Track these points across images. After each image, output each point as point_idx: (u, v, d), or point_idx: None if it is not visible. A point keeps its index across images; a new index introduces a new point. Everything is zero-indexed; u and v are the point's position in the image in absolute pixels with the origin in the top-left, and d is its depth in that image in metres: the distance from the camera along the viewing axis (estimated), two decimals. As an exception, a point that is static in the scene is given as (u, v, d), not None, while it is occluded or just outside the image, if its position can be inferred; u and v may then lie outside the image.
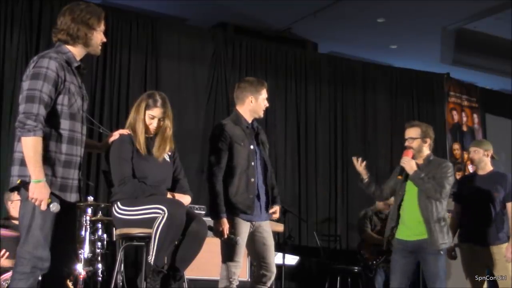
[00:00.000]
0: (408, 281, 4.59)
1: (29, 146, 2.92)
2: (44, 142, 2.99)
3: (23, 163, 2.98)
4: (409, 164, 4.60)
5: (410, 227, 4.58)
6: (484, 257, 5.08)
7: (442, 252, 4.53)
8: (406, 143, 4.70)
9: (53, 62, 3.02)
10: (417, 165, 4.62)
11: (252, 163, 4.04)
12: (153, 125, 3.77)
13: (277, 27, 8.56)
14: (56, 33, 3.16)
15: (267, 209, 4.13)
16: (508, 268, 5.01)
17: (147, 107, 3.76)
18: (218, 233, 3.91)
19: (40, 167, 2.93)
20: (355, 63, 9.28)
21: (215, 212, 3.93)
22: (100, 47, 3.25)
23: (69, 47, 3.15)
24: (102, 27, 3.22)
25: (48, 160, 3.00)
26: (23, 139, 2.94)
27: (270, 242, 4.11)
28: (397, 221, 4.66)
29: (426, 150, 4.69)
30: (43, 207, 2.93)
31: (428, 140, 4.69)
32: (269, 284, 4.10)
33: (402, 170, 4.65)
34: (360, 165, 4.77)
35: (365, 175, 4.79)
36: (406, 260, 4.59)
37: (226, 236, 3.89)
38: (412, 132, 4.70)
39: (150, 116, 3.76)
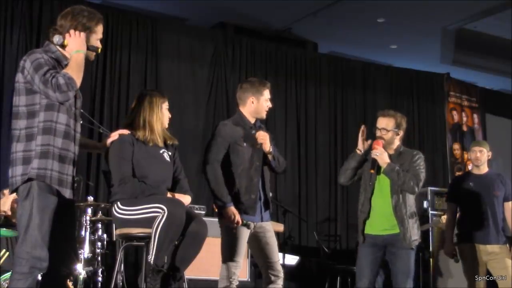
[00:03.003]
0: (374, 279, 4.34)
1: (74, 68, 3.04)
2: (44, 136, 3.01)
3: (25, 162, 2.99)
4: (381, 157, 4.27)
5: (381, 221, 4.30)
6: (484, 257, 5.08)
7: (414, 249, 4.27)
8: (378, 133, 4.39)
9: (45, 55, 3.06)
10: (389, 156, 4.33)
11: (257, 163, 4.05)
12: (168, 115, 3.86)
13: (277, 27, 8.57)
14: (53, 32, 3.17)
15: (267, 209, 4.14)
16: (508, 268, 5.01)
17: (162, 100, 3.83)
18: (230, 221, 3.89)
19: (80, 66, 3.08)
20: (355, 63, 9.28)
21: (220, 202, 3.92)
22: (94, 54, 3.26)
23: (60, 47, 3.16)
24: (100, 35, 3.24)
25: (45, 154, 3.01)
26: (65, 84, 2.98)
27: (273, 242, 4.10)
28: (368, 214, 4.36)
29: (397, 142, 4.41)
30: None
31: (401, 133, 4.41)
32: (281, 284, 4.07)
33: (374, 162, 4.32)
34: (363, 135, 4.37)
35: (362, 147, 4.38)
36: (376, 256, 4.32)
37: (240, 222, 3.88)
38: (386, 123, 4.39)
39: (167, 107, 3.85)
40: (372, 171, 4.33)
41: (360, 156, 4.38)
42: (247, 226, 3.92)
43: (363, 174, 4.45)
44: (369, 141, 4.35)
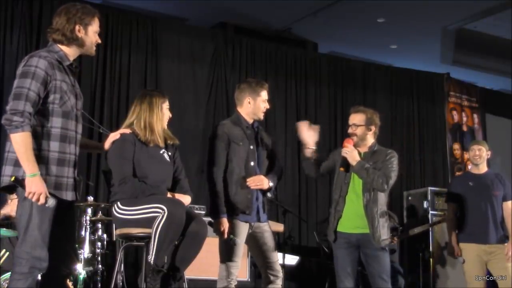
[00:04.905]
0: (355, 279, 4.25)
1: (19, 142, 2.92)
2: (37, 141, 3.00)
3: (17, 163, 2.98)
4: (351, 154, 4.22)
5: (354, 219, 4.21)
6: (485, 257, 5.08)
7: (386, 249, 4.20)
8: (349, 130, 4.37)
9: (43, 61, 3.03)
10: (360, 154, 4.27)
11: (251, 163, 4.06)
12: (168, 115, 3.86)
13: (277, 27, 8.57)
14: (51, 32, 3.17)
15: (265, 210, 4.14)
16: (508, 268, 5.01)
17: (163, 101, 3.83)
18: (218, 233, 3.93)
19: (33, 162, 2.93)
20: (355, 63, 9.28)
21: (215, 212, 3.94)
22: (94, 48, 3.26)
23: (62, 47, 3.17)
24: (97, 28, 3.23)
25: (41, 158, 3.00)
26: (12, 136, 2.94)
27: (271, 242, 4.12)
28: (343, 212, 4.26)
29: (371, 139, 4.33)
30: (42, 200, 2.92)
31: (373, 128, 4.33)
32: (280, 284, 4.08)
33: (344, 160, 4.26)
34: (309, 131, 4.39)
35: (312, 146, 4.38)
36: (354, 256, 4.23)
37: (226, 236, 3.90)
38: (356, 118, 4.36)
39: (167, 107, 3.85)
40: (342, 169, 4.27)
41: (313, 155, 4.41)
42: (233, 242, 3.92)
43: (338, 172, 4.36)
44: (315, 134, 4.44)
